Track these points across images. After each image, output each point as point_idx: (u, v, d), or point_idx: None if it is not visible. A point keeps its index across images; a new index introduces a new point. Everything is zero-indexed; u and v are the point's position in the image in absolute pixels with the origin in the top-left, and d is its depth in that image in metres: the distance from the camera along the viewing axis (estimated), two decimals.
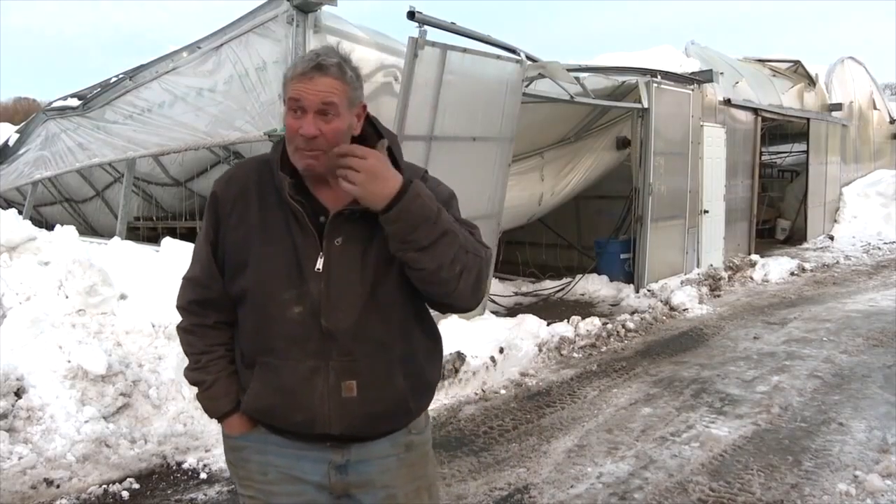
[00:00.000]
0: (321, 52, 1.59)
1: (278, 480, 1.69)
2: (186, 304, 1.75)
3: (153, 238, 8.19)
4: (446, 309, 1.71)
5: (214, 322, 1.72)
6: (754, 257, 10.20)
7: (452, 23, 5.70)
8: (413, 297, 1.66)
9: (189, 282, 1.75)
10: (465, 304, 1.65)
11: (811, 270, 10.29)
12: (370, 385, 1.61)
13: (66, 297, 4.59)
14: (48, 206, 11.59)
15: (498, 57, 6.17)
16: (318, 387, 1.59)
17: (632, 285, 8.47)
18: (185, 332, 1.77)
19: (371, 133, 1.70)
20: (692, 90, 9.17)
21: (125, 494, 3.59)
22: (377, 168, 1.50)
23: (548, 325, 6.33)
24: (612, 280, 8.74)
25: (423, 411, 1.77)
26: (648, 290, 8.20)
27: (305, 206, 1.60)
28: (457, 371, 5.10)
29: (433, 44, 5.43)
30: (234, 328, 1.72)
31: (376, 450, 1.68)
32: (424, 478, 1.78)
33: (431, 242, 1.51)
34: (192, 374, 1.75)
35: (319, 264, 1.58)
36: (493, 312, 6.92)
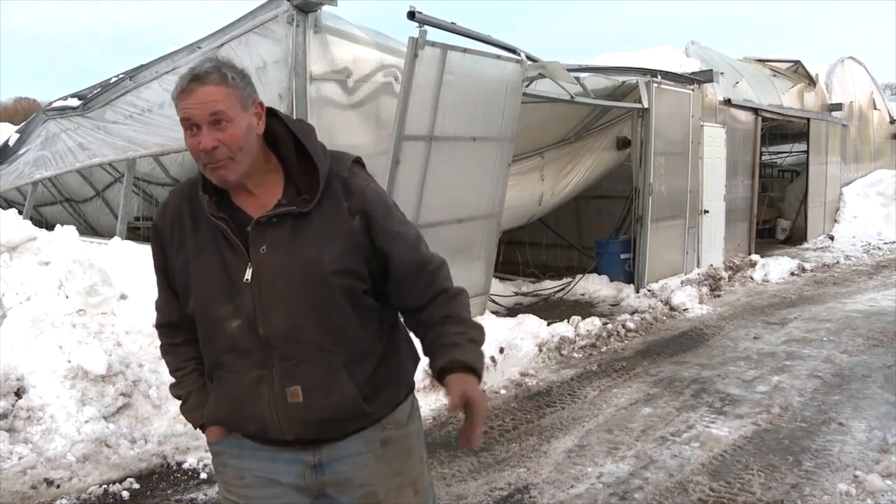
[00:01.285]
0: (196, 65, 1.57)
1: (255, 484, 1.70)
2: (157, 327, 1.84)
3: None
4: None
5: (183, 340, 1.78)
6: (754, 257, 10.20)
7: (452, 23, 5.70)
8: (351, 299, 1.63)
9: (156, 306, 1.83)
10: None
11: (811, 270, 10.29)
12: (314, 390, 1.59)
13: (67, 297, 4.59)
14: (48, 206, 11.59)
15: (498, 57, 6.16)
16: (264, 395, 1.61)
17: (632, 285, 8.46)
18: (163, 352, 1.86)
19: (282, 131, 1.66)
20: (692, 90, 9.17)
21: (125, 494, 3.59)
22: (483, 408, 1.61)
23: (548, 325, 6.33)
24: (612, 280, 8.74)
25: (392, 410, 1.71)
26: (648, 290, 8.20)
27: (228, 220, 1.60)
28: None
29: (433, 44, 5.43)
30: None
31: (349, 448, 1.66)
32: (407, 473, 1.73)
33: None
34: (173, 390, 1.84)
35: (248, 275, 1.58)
36: (493, 312, 6.92)
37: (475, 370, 1.61)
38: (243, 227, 1.59)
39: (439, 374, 1.63)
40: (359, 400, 1.63)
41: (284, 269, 1.58)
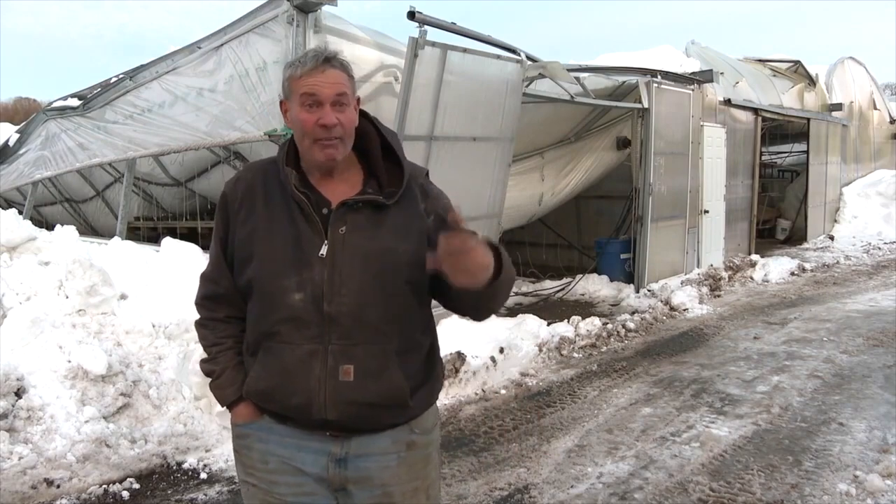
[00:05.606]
0: (321, 49, 1.68)
1: (279, 470, 1.73)
2: (200, 300, 1.84)
3: (153, 238, 8.19)
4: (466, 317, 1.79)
5: (224, 316, 1.80)
6: (754, 257, 10.20)
7: (453, 23, 5.69)
8: (415, 294, 1.71)
9: (203, 278, 1.85)
10: (489, 317, 1.77)
11: (811, 270, 10.29)
12: (366, 372, 1.64)
13: (67, 297, 4.58)
14: (48, 206, 11.60)
15: (498, 57, 6.16)
16: (315, 369, 1.64)
17: (632, 285, 8.46)
18: (200, 326, 1.85)
19: (371, 130, 1.77)
20: (692, 90, 9.17)
21: (125, 494, 3.59)
22: (486, 256, 1.48)
23: (548, 325, 6.32)
24: (612, 280, 8.74)
25: (426, 410, 1.78)
26: (648, 290, 8.20)
27: (310, 197, 1.68)
28: (457, 371, 5.10)
29: (433, 44, 5.43)
30: (245, 322, 1.78)
31: (377, 445, 1.71)
32: (424, 478, 1.79)
33: (509, 293, 1.68)
34: (205, 366, 1.83)
35: (324, 251, 1.64)
36: None
37: (500, 254, 1.54)
38: (320, 207, 1.67)
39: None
40: (405, 391, 1.69)
41: (362, 251, 1.65)
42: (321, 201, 1.68)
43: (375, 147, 1.75)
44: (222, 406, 1.82)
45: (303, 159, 1.73)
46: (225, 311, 1.79)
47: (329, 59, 1.65)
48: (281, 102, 1.73)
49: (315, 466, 1.70)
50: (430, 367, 1.79)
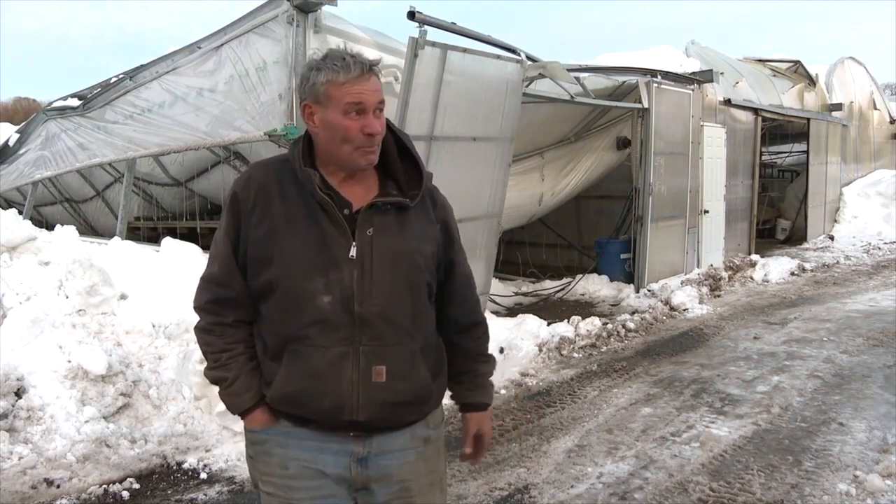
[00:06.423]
0: (359, 56, 1.69)
1: (299, 475, 1.70)
2: (204, 304, 1.76)
3: (153, 238, 8.19)
4: None
5: (233, 320, 1.73)
6: (754, 257, 10.20)
7: (453, 23, 5.69)
8: (430, 294, 1.77)
9: (207, 281, 1.76)
10: None
11: (811, 270, 10.28)
12: (397, 372, 1.66)
13: (67, 297, 4.59)
14: (48, 206, 11.60)
15: (498, 57, 6.16)
16: (346, 372, 1.64)
17: (632, 285, 8.46)
18: (204, 332, 1.76)
19: (387, 133, 1.76)
20: (692, 90, 9.17)
21: (125, 494, 3.59)
22: (490, 443, 1.94)
23: (548, 325, 6.32)
24: (612, 280, 8.74)
25: (440, 404, 1.82)
26: (648, 290, 8.20)
27: (333, 198, 1.67)
28: None
29: (433, 44, 5.43)
30: (253, 325, 1.75)
31: (397, 442, 1.72)
32: (437, 472, 1.83)
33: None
34: (213, 373, 1.75)
35: (353, 252, 1.64)
36: (493, 312, 6.92)
37: (489, 405, 1.92)
38: (341, 208, 1.67)
39: (463, 407, 1.90)
40: (431, 385, 1.74)
41: (391, 252, 1.67)
42: (342, 203, 1.67)
43: (392, 149, 1.76)
44: (234, 414, 1.77)
45: (333, 162, 1.70)
46: (234, 315, 1.73)
47: (371, 67, 1.68)
48: (305, 105, 1.68)
49: (337, 467, 1.70)
50: (441, 362, 1.82)
